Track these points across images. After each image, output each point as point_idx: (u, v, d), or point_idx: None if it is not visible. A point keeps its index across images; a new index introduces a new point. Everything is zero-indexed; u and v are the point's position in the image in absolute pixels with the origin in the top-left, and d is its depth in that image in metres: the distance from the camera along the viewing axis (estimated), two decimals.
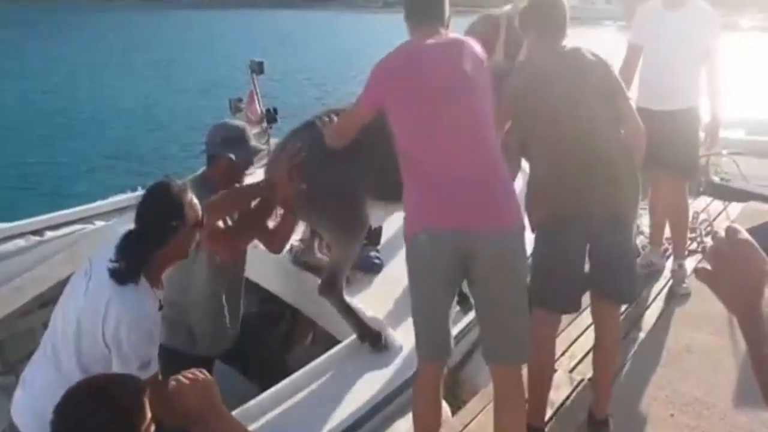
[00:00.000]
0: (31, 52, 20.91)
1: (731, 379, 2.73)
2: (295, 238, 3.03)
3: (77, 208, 3.31)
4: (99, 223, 3.21)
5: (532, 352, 2.22)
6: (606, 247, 2.14)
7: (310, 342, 3.06)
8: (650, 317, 3.29)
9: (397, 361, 2.40)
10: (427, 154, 1.87)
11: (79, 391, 1.26)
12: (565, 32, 2.21)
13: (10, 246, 3.04)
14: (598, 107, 2.11)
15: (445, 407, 2.35)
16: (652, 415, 2.53)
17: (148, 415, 1.27)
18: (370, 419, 2.18)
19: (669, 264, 3.68)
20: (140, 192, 3.69)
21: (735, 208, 4.77)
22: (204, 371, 1.58)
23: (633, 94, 3.44)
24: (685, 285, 3.47)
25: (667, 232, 3.72)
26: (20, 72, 17.25)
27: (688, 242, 3.90)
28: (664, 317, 3.29)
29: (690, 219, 4.15)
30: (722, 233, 0.84)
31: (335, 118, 2.26)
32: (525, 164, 2.55)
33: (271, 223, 2.50)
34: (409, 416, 2.07)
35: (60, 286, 2.91)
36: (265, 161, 2.72)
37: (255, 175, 2.64)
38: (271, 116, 3.03)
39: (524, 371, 2.01)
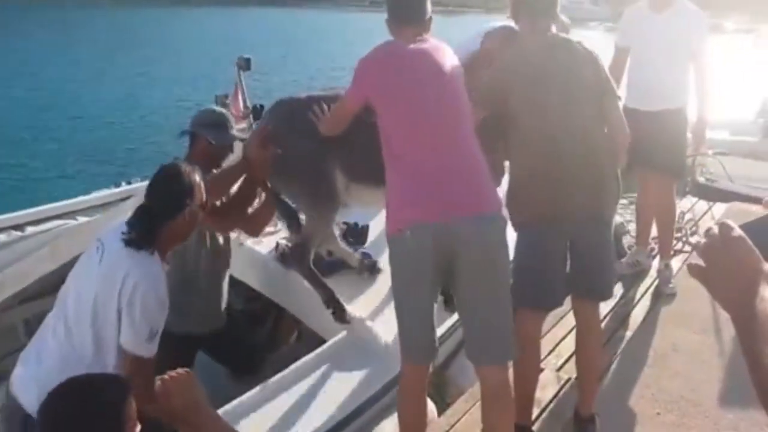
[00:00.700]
0: (11, 50, 20.57)
1: (716, 378, 2.75)
2: (282, 237, 3.02)
3: (59, 204, 3.26)
4: (81, 219, 3.16)
5: (518, 352, 2.22)
6: (587, 247, 2.14)
7: (295, 340, 3.04)
8: (637, 316, 3.30)
9: (384, 360, 2.38)
10: (408, 147, 1.90)
11: (64, 390, 1.25)
12: (556, 16, 2.17)
13: None
14: (587, 108, 2.09)
15: (432, 407, 2.34)
16: (638, 414, 2.54)
17: (134, 415, 1.25)
18: (356, 418, 2.17)
19: (655, 264, 3.70)
20: (124, 188, 3.67)
21: (720, 208, 4.82)
22: (189, 371, 1.56)
23: (621, 95, 3.46)
24: (671, 285, 3.49)
25: (653, 231, 3.74)
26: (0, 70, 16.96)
27: (674, 242, 3.93)
28: (651, 316, 3.30)
29: (676, 219, 4.19)
30: (716, 230, 0.83)
31: (324, 108, 2.28)
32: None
33: (250, 209, 2.59)
34: (396, 416, 2.05)
35: (41, 282, 2.87)
36: None
37: None
38: (257, 112, 3.01)
39: (510, 371, 2.01)
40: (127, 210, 2.00)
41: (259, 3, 45.05)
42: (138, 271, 1.77)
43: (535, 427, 2.40)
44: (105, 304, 1.77)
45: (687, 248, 4.05)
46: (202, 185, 1.94)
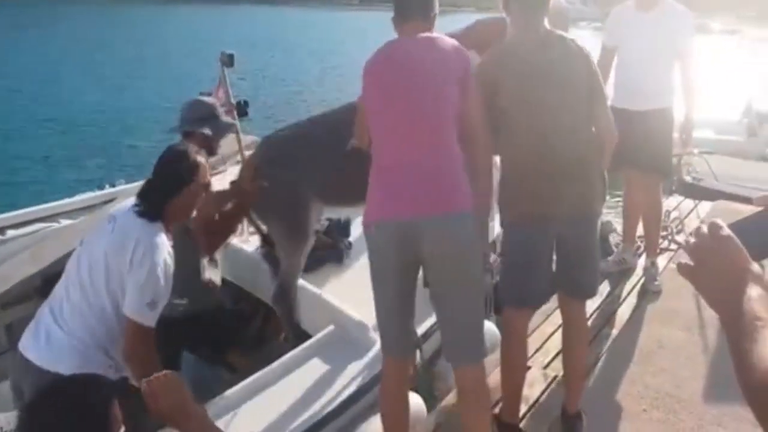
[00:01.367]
0: None
1: (701, 374, 2.78)
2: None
3: (41, 206, 3.21)
4: (65, 222, 3.12)
5: (505, 349, 2.23)
6: (573, 246, 2.15)
7: (284, 339, 3.03)
8: (623, 314, 3.33)
9: (371, 354, 2.38)
10: (385, 145, 1.92)
11: (48, 392, 1.23)
12: (548, 8, 2.11)
13: None
14: (578, 107, 2.08)
15: (421, 404, 2.35)
16: (624, 410, 2.56)
17: (119, 416, 1.24)
18: (343, 412, 2.16)
19: (641, 262, 3.73)
20: (108, 190, 3.63)
21: (705, 206, 4.87)
22: (174, 373, 1.56)
23: (608, 94, 3.48)
24: (657, 282, 3.52)
25: (639, 230, 3.77)
26: None
27: (660, 240, 3.96)
28: (637, 314, 3.33)
29: (662, 217, 4.22)
30: (705, 229, 0.83)
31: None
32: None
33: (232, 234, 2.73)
34: None
35: (23, 286, 2.83)
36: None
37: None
38: (242, 109, 2.99)
39: (497, 369, 2.01)
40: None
41: (248, 0, 44.77)
42: (147, 239, 1.89)
43: (522, 425, 2.41)
44: (117, 270, 1.88)
45: (673, 246, 4.09)
46: (207, 167, 2.06)
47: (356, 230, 3.11)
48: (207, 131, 2.52)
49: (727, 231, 0.82)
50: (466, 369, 1.93)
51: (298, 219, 2.60)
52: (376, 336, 2.43)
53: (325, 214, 2.82)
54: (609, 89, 3.47)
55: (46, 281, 2.63)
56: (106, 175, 7.30)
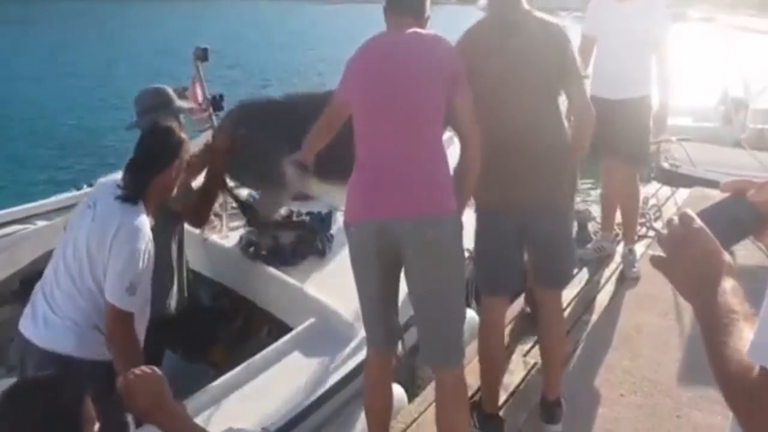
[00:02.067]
0: None
1: (678, 359, 2.83)
2: (248, 229, 3.00)
3: (17, 208, 3.15)
4: (40, 223, 3.07)
5: (482, 339, 2.24)
6: (540, 237, 2.15)
7: (266, 335, 3.03)
8: (602, 300, 3.37)
9: (352, 345, 2.39)
10: (366, 143, 1.90)
11: (18, 393, 1.21)
12: None
13: None
14: (547, 96, 2.06)
15: (402, 394, 2.37)
16: (603, 396, 2.60)
17: (92, 414, 1.23)
18: (325, 403, 2.17)
19: (620, 249, 3.78)
20: (85, 190, 3.58)
21: (683, 193, 4.94)
22: (154, 368, 1.55)
23: (587, 83, 3.51)
24: (635, 269, 3.57)
25: (618, 217, 3.82)
26: None
27: (638, 227, 4.01)
28: (615, 300, 3.38)
29: (640, 204, 4.28)
30: (676, 220, 0.83)
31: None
32: None
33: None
34: None
35: (0, 288, 2.79)
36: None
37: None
38: (216, 103, 2.96)
39: (477, 359, 2.03)
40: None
41: None
42: (127, 225, 1.90)
43: (502, 413, 2.43)
44: (99, 257, 1.91)
45: (651, 233, 4.15)
46: (189, 144, 2.10)
47: (337, 223, 3.11)
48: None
49: (698, 223, 0.82)
50: (442, 369, 1.94)
51: (272, 169, 2.60)
52: (357, 327, 2.44)
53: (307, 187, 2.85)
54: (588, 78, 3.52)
55: (23, 283, 2.60)
56: (79, 175, 7.17)
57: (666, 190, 5.00)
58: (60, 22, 28.92)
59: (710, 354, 0.74)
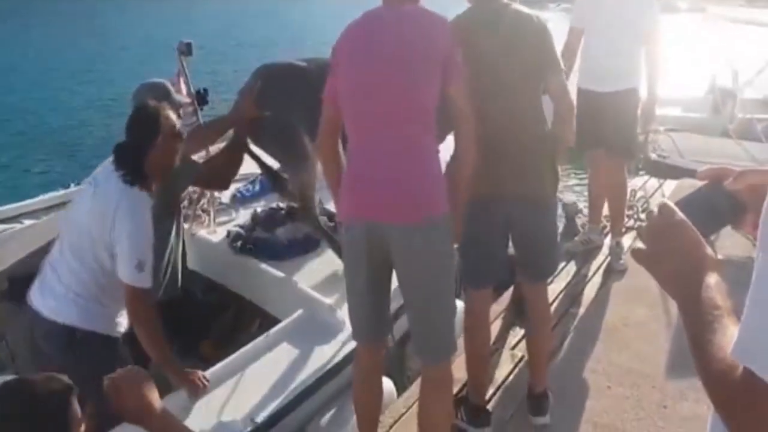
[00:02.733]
0: None
1: (664, 350, 2.86)
2: (234, 225, 2.99)
3: (4, 207, 3.14)
4: (27, 222, 3.06)
5: (467, 332, 2.25)
6: (524, 230, 2.17)
7: (257, 329, 3.03)
8: (589, 293, 3.40)
9: (340, 338, 2.39)
10: (355, 137, 1.85)
11: (4, 390, 1.21)
12: None
13: None
14: (526, 89, 2.05)
15: (391, 388, 2.38)
16: (590, 387, 2.62)
17: (78, 414, 1.23)
18: (312, 396, 2.18)
19: (607, 241, 3.80)
20: (73, 189, 3.55)
21: (671, 185, 4.96)
22: (141, 369, 1.55)
23: (575, 76, 3.52)
24: (621, 261, 3.60)
25: (605, 210, 3.84)
26: None
27: (626, 220, 4.04)
28: (603, 292, 3.41)
29: (628, 197, 4.30)
30: (656, 211, 0.82)
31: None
32: None
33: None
34: None
35: None
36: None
37: None
38: (201, 97, 2.95)
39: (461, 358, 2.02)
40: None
41: None
42: (126, 205, 1.95)
43: (490, 406, 2.45)
44: (100, 237, 1.97)
45: (638, 225, 4.18)
46: (171, 116, 2.12)
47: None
48: None
49: (679, 215, 0.81)
50: (428, 366, 1.94)
51: (295, 140, 2.65)
52: (345, 319, 2.45)
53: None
54: (576, 71, 3.52)
55: (12, 282, 2.59)
56: (67, 174, 7.08)
57: (654, 182, 5.02)
58: (43, 18, 28.40)
59: (694, 351, 0.73)
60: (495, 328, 3.00)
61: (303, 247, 2.93)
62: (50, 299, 2.04)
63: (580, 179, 4.59)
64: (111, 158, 2.09)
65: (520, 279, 2.40)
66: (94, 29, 24.53)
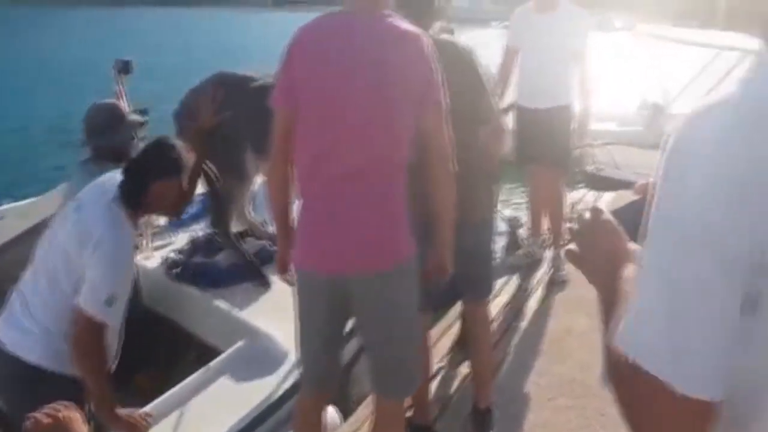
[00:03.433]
0: None
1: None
2: (171, 249, 2.91)
3: None
4: None
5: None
6: (463, 252, 2.15)
7: (196, 360, 2.93)
8: (532, 306, 3.46)
9: (283, 369, 2.34)
10: (310, 172, 1.64)
11: None
12: (438, 14, 2.07)
13: None
14: (460, 114, 2.07)
15: (335, 416, 2.33)
16: (533, 400, 2.65)
17: None
18: (255, 429, 2.12)
19: (549, 253, 3.88)
20: (11, 205, 3.39)
21: (608, 196, 5.13)
22: (69, 405, 1.47)
23: (512, 94, 3.61)
24: (562, 272, 3.67)
25: (546, 223, 3.93)
26: None
27: (566, 232, 4.14)
28: (545, 304, 3.47)
29: (569, 209, 4.42)
30: (587, 215, 0.87)
31: None
32: None
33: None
34: None
35: None
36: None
37: None
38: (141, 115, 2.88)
39: None
40: None
41: (155, 2, 42.40)
42: (110, 235, 1.87)
43: (437, 426, 2.44)
44: (78, 262, 1.88)
45: (569, 227, 4.29)
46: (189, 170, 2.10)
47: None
48: (113, 140, 2.53)
49: (607, 214, 0.85)
50: (389, 401, 1.86)
51: (237, 157, 2.66)
52: (288, 349, 2.40)
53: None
54: (512, 89, 3.61)
55: None
56: None
57: (592, 195, 5.18)
58: None
59: (603, 338, 0.75)
60: (442, 346, 3.00)
61: (245, 274, 2.86)
62: (15, 332, 1.91)
63: (522, 194, 4.68)
64: (98, 180, 2.03)
65: (462, 298, 2.41)
66: (20, 44, 23.54)
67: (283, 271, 1.90)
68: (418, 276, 1.74)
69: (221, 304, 2.63)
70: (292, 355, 2.37)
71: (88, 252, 1.86)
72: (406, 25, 1.58)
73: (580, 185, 5.55)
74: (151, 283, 2.82)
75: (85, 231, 1.90)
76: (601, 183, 5.63)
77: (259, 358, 2.40)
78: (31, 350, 1.88)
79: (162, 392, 2.32)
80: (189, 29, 30.32)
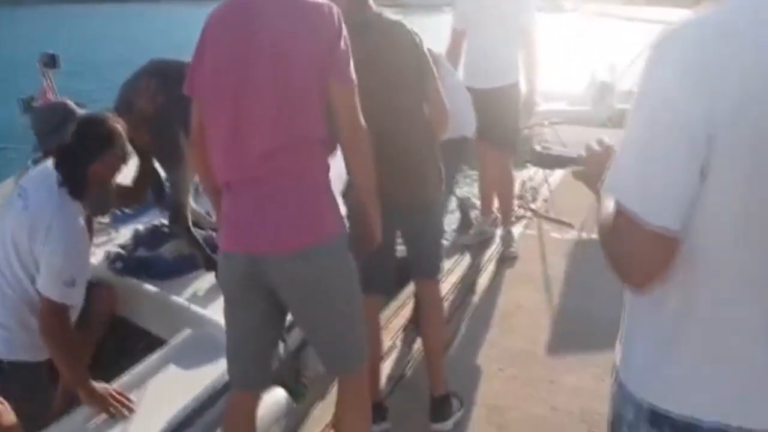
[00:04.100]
0: None
1: (551, 330, 3.01)
2: (116, 244, 2.85)
3: None
4: None
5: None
6: (414, 233, 2.22)
7: (141, 350, 2.89)
8: (483, 281, 3.52)
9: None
10: (223, 142, 1.60)
11: None
12: None
13: None
14: (406, 94, 2.07)
15: (285, 399, 2.33)
16: (483, 371, 2.71)
17: None
18: (200, 418, 2.11)
19: (499, 231, 3.95)
20: None
21: (557, 175, 5.23)
22: (5, 402, 1.46)
23: (460, 74, 3.64)
24: (512, 249, 3.75)
25: (496, 201, 3.99)
26: None
27: (516, 209, 4.22)
28: (496, 280, 3.54)
29: (519, 187, 4.50)
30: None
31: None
32: None
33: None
34: None
35: None
36: None
37: None
38: None
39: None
40: None
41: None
42: (61, 221, 1.88)
43: (388, 402, 2.46)
44: (29, 251, 1.90)
45: (528, 214, 4.38)
46: (125, 136, 2.09)
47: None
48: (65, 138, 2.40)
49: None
50: (344, 376, 1.83)
51: (171, 140, 2.56)
52: None
53: None
54: (461, 70, 3.64)
55: None
56: None
57: (541, 173, 5.28)
58: None
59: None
60: (395, 326, 3.04)
61: (190, 265, 2.82)
62: None
63: (472, 175, 4.74)
64: (39, 166, 2.00)
65: (413, 278, 2.43)
66: None
67: None
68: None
69: (165, 294, 2.59)
70: None
71: (40, 238, 1.88)
72: None
73: (528, 164, 5.64)
74: (95, 278, 2.76)
75: (33, 218, 1.91)
76: (548, 161, 5.72)
77: (205, 345, 2.38)
78: None
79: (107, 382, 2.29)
80: (106, 23, 29.17)
